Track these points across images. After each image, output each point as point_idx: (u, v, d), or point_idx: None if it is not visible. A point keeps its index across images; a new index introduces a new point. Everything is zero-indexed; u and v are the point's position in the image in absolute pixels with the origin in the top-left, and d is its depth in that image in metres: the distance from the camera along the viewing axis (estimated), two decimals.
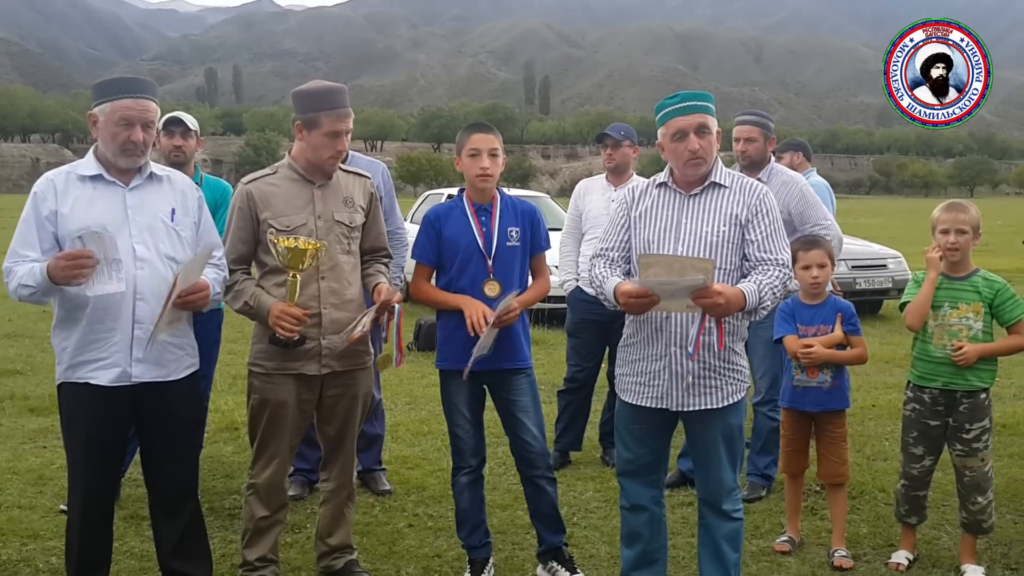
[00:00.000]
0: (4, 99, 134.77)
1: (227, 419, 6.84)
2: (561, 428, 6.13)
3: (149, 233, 3.61)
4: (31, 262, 3.50)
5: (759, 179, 4.95)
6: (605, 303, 3.76)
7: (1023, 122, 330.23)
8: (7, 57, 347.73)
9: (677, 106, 3.66)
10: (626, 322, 3.80)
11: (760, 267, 3.59)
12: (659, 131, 3.72)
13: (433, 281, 4.30)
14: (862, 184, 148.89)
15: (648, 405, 3.69)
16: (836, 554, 4.46)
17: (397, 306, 3.98)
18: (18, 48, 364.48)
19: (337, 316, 3.94)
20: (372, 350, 4.23)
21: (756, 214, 3.64)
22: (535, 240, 4.29)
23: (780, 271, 3.58)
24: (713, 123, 3.67)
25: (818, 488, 5.26)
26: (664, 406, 3.65)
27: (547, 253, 4.40)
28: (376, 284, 4.08)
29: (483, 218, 4.19)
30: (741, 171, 4.91)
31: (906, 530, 4.53)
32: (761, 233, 3.63)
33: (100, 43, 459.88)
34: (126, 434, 3.79)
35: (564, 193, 73.62)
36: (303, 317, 3.81)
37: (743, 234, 3.64)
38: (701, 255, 3.57)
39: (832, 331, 4.50)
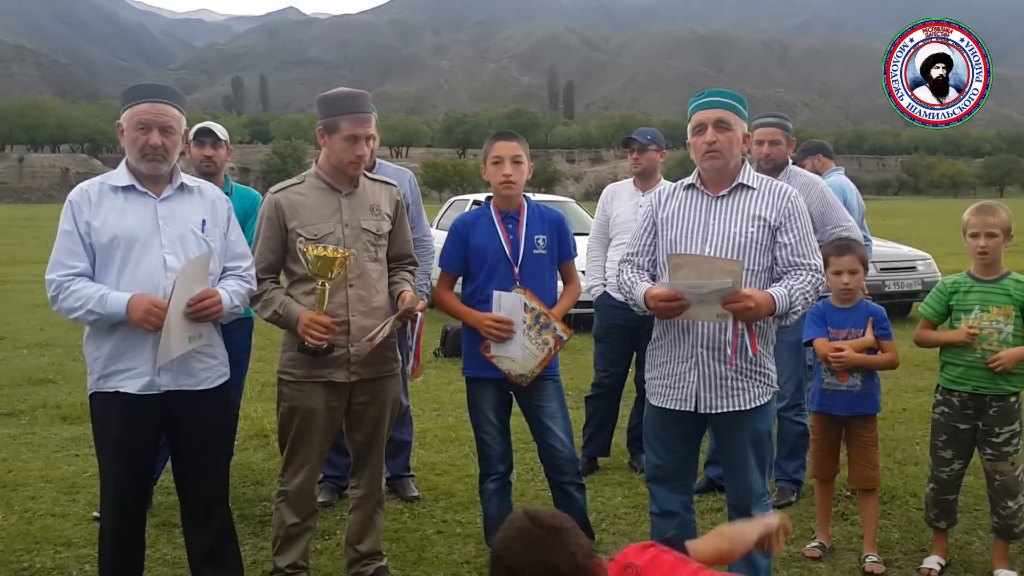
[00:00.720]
0: (33, 110, 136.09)
1: (257, 426, 6.88)
2: (589, 434, 6.11)
3: (180, 244, 3.63)
4: (82, 277, 3.52)
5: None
6: (635, 308, 3.76)
7: None
8: (35, 68, 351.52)
9: (701, 101, 3.72)
10: (654, 324, 3.80)
11: (792, 271, 3.58)
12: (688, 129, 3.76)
13: (460, 287, 4.32)
14: (890, 185, 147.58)
15: (676, 407, 3.68)
16: (867, 560, 4.43)
17: (420, 314, 3.99)
18: (46, 59, 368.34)
19: (365, 323, 3.94)
20: (400, 357, 4.24)
21: (788, 218, 3.63)
22: (563, 248, 4.29)
23: (812, 276, 3.57)
24: (736, 121, 3.67)
25: (849, 493, 5.23)
26: (691, 408, 3.65)
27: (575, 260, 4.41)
28: (401, 292, 4.09)
29: (510, 226, 4.19)
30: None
31: (937, 535, 4.49)
32: (794, 237, 3.61)
33: (127, 53, 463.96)
34: (157, 443, 3.82)
35: (589, 197, 73.61)
36: (332, 325, 3.82)
37: (773, 237, 3.63)
38: (729, 256, 3.57)
39: (863, 335, 4.47)
